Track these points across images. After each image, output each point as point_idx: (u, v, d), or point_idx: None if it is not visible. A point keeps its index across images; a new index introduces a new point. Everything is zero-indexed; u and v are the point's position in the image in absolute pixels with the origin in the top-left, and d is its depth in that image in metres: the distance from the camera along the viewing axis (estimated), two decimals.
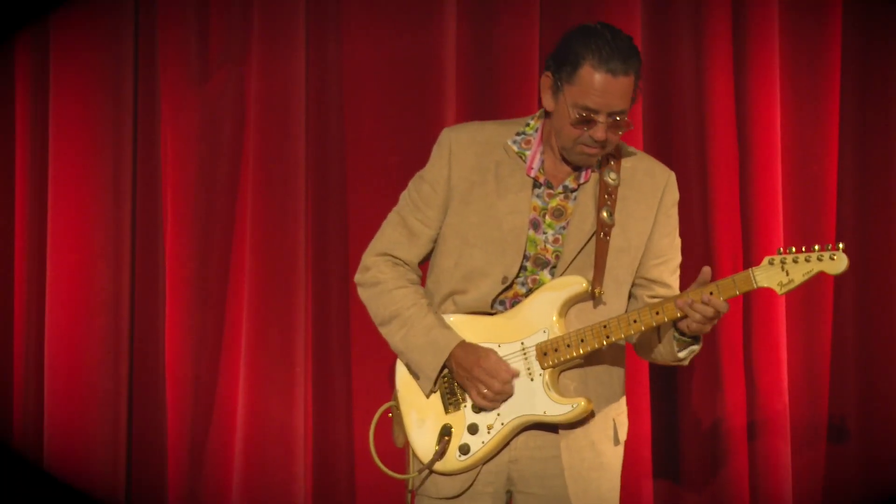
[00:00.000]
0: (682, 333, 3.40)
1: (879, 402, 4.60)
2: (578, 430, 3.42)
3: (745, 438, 4.55)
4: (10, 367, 4.69)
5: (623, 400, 3.52)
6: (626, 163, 3.49)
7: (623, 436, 3.51)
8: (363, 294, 3.55)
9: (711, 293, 3.33)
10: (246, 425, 4.56)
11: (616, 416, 3.49)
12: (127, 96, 4.67)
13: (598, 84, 3.30)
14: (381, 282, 3.50)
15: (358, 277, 3.56)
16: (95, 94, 4.65)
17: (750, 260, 4.58)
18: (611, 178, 3.45)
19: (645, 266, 3.49)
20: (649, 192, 3.49)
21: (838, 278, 4.62)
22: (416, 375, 3.46)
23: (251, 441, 4.56)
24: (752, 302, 4.57)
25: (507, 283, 3.42)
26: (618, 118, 3.33)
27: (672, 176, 3.53)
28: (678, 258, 3.55)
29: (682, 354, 3.44)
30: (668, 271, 3.52)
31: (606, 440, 3.46)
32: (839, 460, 4.61)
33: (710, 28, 4.59)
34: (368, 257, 3.54)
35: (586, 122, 3.33)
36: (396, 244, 3.51)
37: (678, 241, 3.54)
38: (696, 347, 3.44)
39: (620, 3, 4.58)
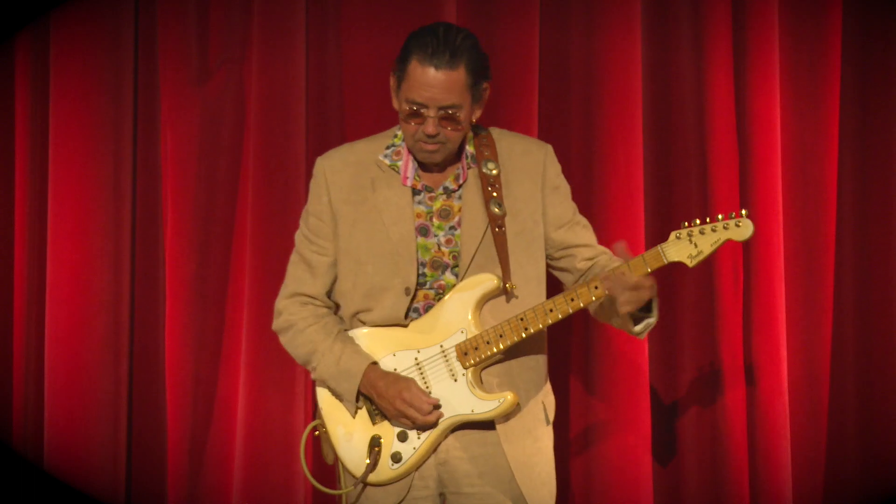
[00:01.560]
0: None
1: (879, 402, 4.60)
2: (514, 421, 3.47)
3: (745, 438, 4.55)
4: (10, 367, 4.69)
5: (548, 382, 3.58)
6: (501, 148, 3.54)
7: (552, 416, 3.56)
8: (282, 340, 3.63)
9: (624, 273, 3.36)
10: (246, 425, 4.56)
11: (544, 399, 3.55)
12: (127, 96, 4.67)
13: (422, 77, 3.37)
14: (293, 324, 3.57)
15: (274, 325, 3.63)
16: (95, 94, 4.65)
17: (750, 260, 4.58)
18: (489, 168, 3.49)
19: (555, 238, 3.54)
20: (531, 169, 3.54)
21: (838, 277, 4.62)
22: (340, 398, 3.50)
23: (251, 441, 4.55)
24: (752, 302, 4.57)
25: (411, 294, 3.45)
26: (450, 111, 3.37)
27: (549, 149, 3.60)
28: (583, 219, 3.59)
29: (637, 328, 3.45)
30: (580, 232, 3.57)
31: (540, 425, 3.53)
32: (839, 460, 4.61)
33: (710, 28, 4.59)
34: (279, 302, 3.61)
35: (415, 115, 3.39)
36: (301, 282, 3.57)
37: (574, 205, 3.59)
38: (651, 321, 3.45)
39: (620, 3, 4.58)
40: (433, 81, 3.36)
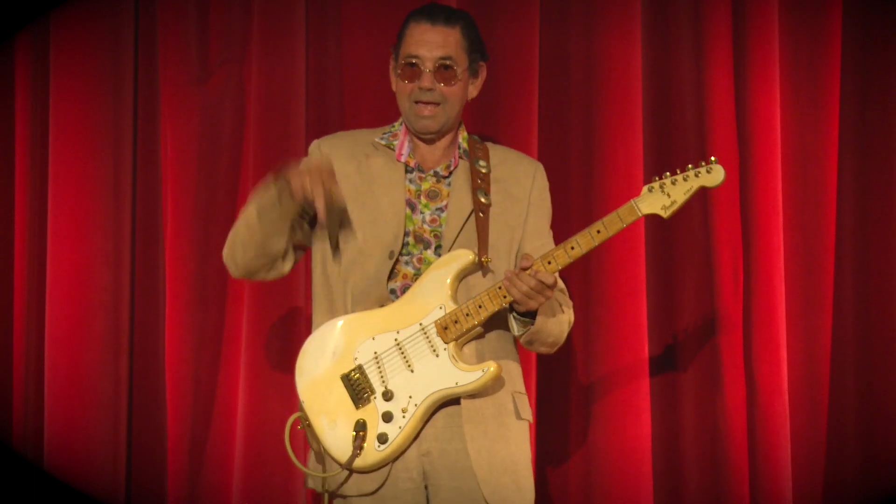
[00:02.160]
0: (519, 312, 3.46)
1: (879, 402, 4.60)
2: (479, 402, 3.47)
3: (745, 438, 4.55)
4: (10, 367, 4.69)
5: (521, 380, 3.58)
6: (494, 156, 3.61)
7: (526, 415, 3.55)
8: (226, 248, 3.59)
9: (599, 231, 3.40)
10: (246, 425, 4.56)
11: (514, 393, 3.54)
12: (127, 96, 4.67)
13: (419, 31, 3.47)
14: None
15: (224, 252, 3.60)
16: (95, 93, 4.65)
17: (750, 260, 4.58)
18: (481, 165, 3.54)
19: (527, 249, 3.57)
20: (522, 176, 3.60)
21: (838, 277, 4.62)
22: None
23: (251, 441, 4.55)
24: (752, 302, 4.57)
25: (394, 258, 3.47)
26: (446, 62, 3.45)
27: (540, 165, 3.65)
28: (552, 244, 3.60)
29: (517, 332, 3.49)
30: None
31: (508, 414, 3.51)
32: (839, 460, 4.61)
33: (710, 28, 4.59)
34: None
35: (412, 69, 3.46)
36: None
37: (550, 230, 3.64)
38: (532, 328, 3.47)
39: (620, 3, 4.58)
40: (429, 34, 3.46)
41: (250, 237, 3.50)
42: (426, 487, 3.48)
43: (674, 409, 4.62)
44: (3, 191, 4.72)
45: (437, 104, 3.48)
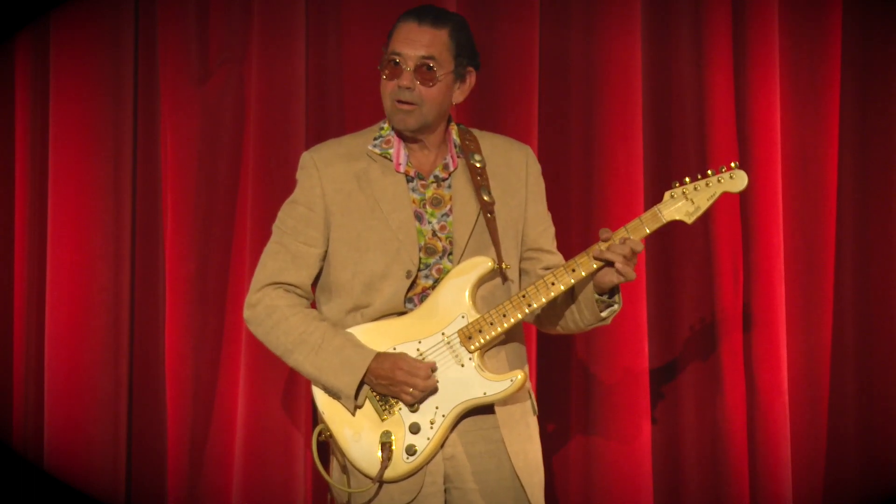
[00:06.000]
0: (600, 294, 3.44)
1: (879, 402, 4.61)
2: (511, 407, 3.47)
3: (745, 438, 4.56)
4: (10, 367, 4.69)
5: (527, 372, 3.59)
6: (484, 145, 3.58)
7: (536, 407, 3.57)
8: (258, 330, 3.51)
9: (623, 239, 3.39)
10: (246, 425, 4.56)
11: (529, 390, 3.56)
12: (127, 96, 4.67)
13: (405, 30, 3.46)
14: (275, 311, 3.48)
15: (248, 315, 3.52)
16: (95, 94, 4.65)
17: (750, 260, 4.58)
18: (476, 160, 3.53)
19: (531, 236, 3.56)
20: (515, 164, 3.58)
21: (838, 277, 4.63)
22: (336, 396, 3.45)
23: (251, 441, 4.55)
24: (752, 302, 4.58)
25: (412, 277, 3.44)
26: (427, 61, 3.43)
27: (530, 149, 3.64)
28: (553, 227, 3.61)
29: (605, 314, 3.47)
30: (551, 239, 3.61)
31: (530, 412, 3.54)
32: (839, 460, 4.61)
33: (710, 28, 4.59)
34: (253, 294, 3.52)
35: (393, 66, 3.44)
36: (282, 270, 3.50)
37: (548, 211, 3.62)
38: (616, 307, 3.48)
39: (620, 3, 4.58)
40: (414, 33, 3.44)
41: (282, 356, 3.50)
42: (446, 490, 3.48)
43: (674, 409, 4.62)
44: (3, 191, 4.72)
45: (414, 105, 3.45)
